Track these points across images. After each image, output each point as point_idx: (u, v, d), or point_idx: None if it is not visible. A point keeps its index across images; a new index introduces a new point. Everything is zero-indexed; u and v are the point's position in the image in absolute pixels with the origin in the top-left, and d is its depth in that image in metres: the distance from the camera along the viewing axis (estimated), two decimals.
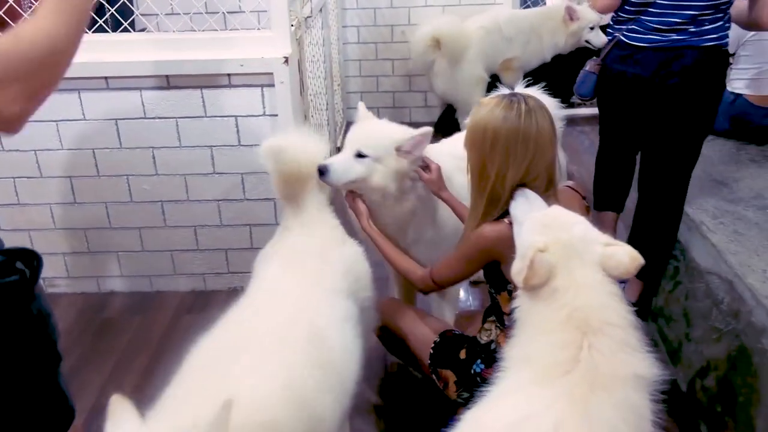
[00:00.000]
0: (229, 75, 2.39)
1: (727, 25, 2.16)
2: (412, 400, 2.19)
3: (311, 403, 1.34)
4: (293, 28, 2.48)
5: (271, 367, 1.32)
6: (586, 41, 3.93)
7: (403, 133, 1.92)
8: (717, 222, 2.27)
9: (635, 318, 1.21)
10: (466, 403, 1.56)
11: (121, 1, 2.46)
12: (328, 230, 1.82)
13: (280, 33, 2.38)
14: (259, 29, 2.49)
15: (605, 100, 2.44)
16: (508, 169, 1.57)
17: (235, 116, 2.46)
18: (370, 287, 1.85)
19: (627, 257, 1.21)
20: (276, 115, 2.45)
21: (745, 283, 1.92)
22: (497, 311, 1.72)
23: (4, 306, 1.13)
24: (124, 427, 1.08)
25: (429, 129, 1.91)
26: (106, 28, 2.47)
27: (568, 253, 1.23)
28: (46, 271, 2.69)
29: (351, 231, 1.98)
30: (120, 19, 2.46)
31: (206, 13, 2.47)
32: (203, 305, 2.72)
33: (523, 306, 1.26)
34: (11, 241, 1.14)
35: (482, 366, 1.74)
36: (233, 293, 2.74)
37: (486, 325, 1.78)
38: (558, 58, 4.10)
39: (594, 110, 3.10)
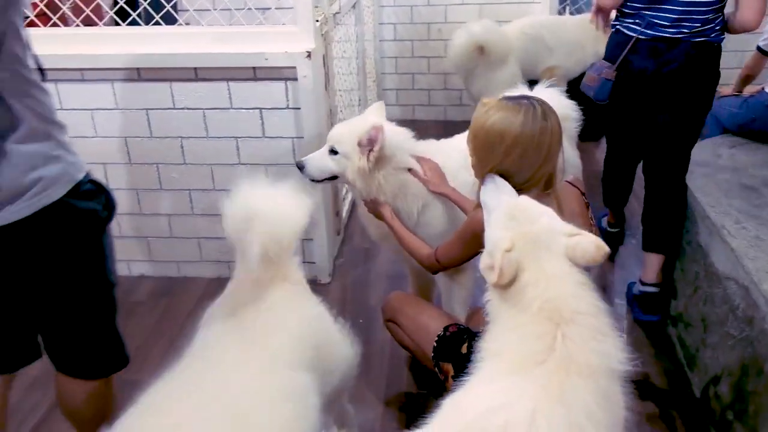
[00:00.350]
0: (254, 68, 2.46)
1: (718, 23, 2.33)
2: (422, 394, 2.22)
3: None
4: (318, 23, 2.52)
5: None
6: None
7: (363, 127, 1.93)
8: (739, 227, 2.21)
9: (606, 307, 1.24)
10: None
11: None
12: (286, 288, 1.53)
13: (304, 28, 2.43)
14: (284, 24, 2.54)
15: (620, 97, 2.58)
16: (518, 171, 1.57)
17: (260, 108, 2.53)
18: (340, 362, 1.63)
19: (592, 246, 1.22)
20: (299, 109, 2.50)
21: (760, 290, 1.87)
22: None
23: (81, 228, 1.40)
24: None
25: (378, 122, 1.92)
26: (139, 21, 2.58)
27: (535, 246, 1.24)
28: None
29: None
30: (152, 12, 2.55)
31: (234, 9, 2.55)
32: (128, 289, 2.79)
33: (494, 300, 1.28)
34: None
35: None
36: None
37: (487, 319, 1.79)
38: None
39: None
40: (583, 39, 3.96)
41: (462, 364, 1.78)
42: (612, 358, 1.17)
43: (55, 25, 2.60)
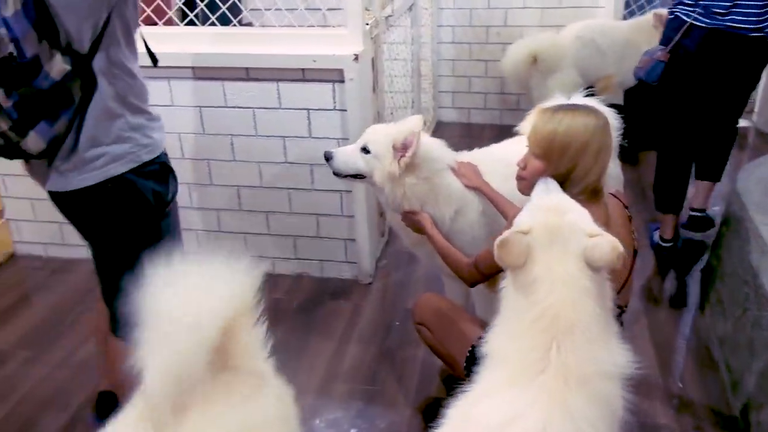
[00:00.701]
0: (303, 69, 2.50)
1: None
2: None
3: None
4: (368, 26, 2.55)
5: None
6: None
7: (401, 131, 1.93)
8: None
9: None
10: None
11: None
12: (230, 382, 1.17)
13: (353, 31, 2.46)
14: (334, 26, 2.58)
15: (670, 78, 2.82)
16: (586, 175, 1.57)
17: (307, 109, 2.57)
18: None
19: (608, 247, 1.22)
20: (345, 110, 2.54)
21: None
22: None
23: (138, 204, 1.55)
24: None
25: (418, 127, 1.90)
26: (196, 21, 2.67)
27: (552, 239, 1.25)
28: None
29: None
30: (207, 13, 2.63)
31: (285, 9, 2.60)
32: (270, 287, 2.83)
33: (507, 289, 1.31)
34: None
35: None
36: (299, 279, 2.91)
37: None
38: None
39: None
40: (637, 41, 3.86)
41: None
42: (607, 363, 1.20)
43: None
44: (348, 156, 2.00)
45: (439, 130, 4.76)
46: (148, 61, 1.71)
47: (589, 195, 1.60)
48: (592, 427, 1.13)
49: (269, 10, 2.73)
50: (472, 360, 1.82)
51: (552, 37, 3.91)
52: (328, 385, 2.28)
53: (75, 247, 3.09)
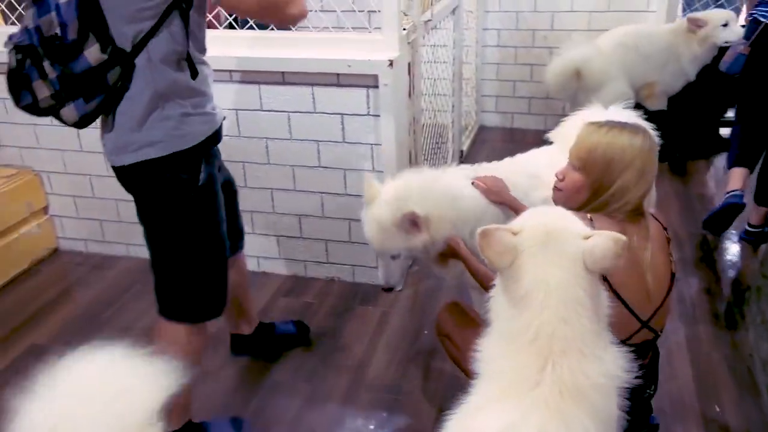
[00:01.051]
0: (337, 74, 2.49)
1: None
2: None
3: None
4: (405, 31, 2.52)
5: None
6: (725, 42, 3.61)
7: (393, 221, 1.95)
8: None
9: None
10: None
11: None
12: None
13: (389, 36, 2.44)
14: (370, 31, 2.56)
15: (750, 70, 3.13)
16: (627, 192, 1.53)
17: (341, 114, 2.56)
18: None
19: (610, 242, 1.20)
20: (379, 116, 2.52)
21: None
22: None
23: (166, 188, 1.68)
24: None
25: (408, 209, 1.89)
26: (235, 25, 2.69)
27: (545, 242, 1.23)
28: None
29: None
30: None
31: (318, 10, 2.60)
32: (301, 290, 2.87)
33: (497, 298, 1.29)
34: None
35: None
36: (330, 283, 2.91)
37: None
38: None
39: None
40: (676, 47, 3.75)
41: None
42: (602, 375, 1.20)
43: None
44: (398, 267, 2.04)
45: (481, 134, 4.70)
46: None
47: (629, 215, 1.55)
48: None
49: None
50: None
51: (594, 48, 3.79)
52: (353, 393, 2.26)
53: (114, 244, 3.17)
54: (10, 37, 1.56)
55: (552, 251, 1.23)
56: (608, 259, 1.20)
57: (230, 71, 2.62)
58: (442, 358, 2.34)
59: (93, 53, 1.49)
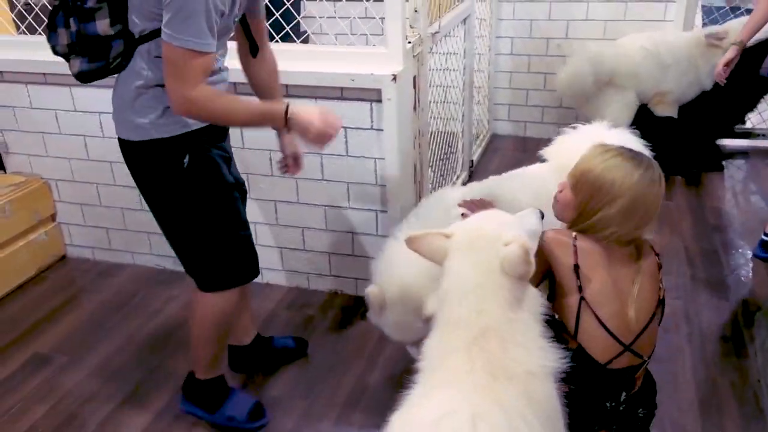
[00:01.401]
0: (341, 88, 2.48)
1: None
2: None
3: None
4: (411, 45, 2.50)
5: None
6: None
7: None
8: None
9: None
10: None
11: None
12: None
13: (393, 50, 2.42)
14: (374, 45, 2.54)
15: None
16: (610, 225, 1.47)
17: (345, 127, 2.54)
18: None
19: (519, 248, 1.29)
20: (382, 130, 2.50)
21: None
22: (556, 327, 1.61)
23: (151, 167, 1.81)
24: None
25: (375, 292, 1.98)
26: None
27: (469, 247, 1.37)
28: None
29: None
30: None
31: (323, 17, 2.58)
32: (303, 303, 2.86)
33: (435, 299, 1.42)
34: None
35: None
36: (333, 296, 2.89)
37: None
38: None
39: None
40: (696, 58, 3.68)
41: None
42: (531, 364, 1.28)
43: None
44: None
45: (493, 143, 4.66)
46: None
47: (620, 243, 1.51)
48: (523, 420, 1.22)
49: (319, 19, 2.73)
50: None
51: (615, 49, 3.76)
52: (350, 411, 2.24)
53: (120, 252, 3.19)
54: None
55: (473, 254, 1.36)
56: (519, 264, 1.30)
57: (234, 83, 2.60)
58: None
59: (102, 25, 1.65)
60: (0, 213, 2.89)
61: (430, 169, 3.10)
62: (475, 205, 1.94)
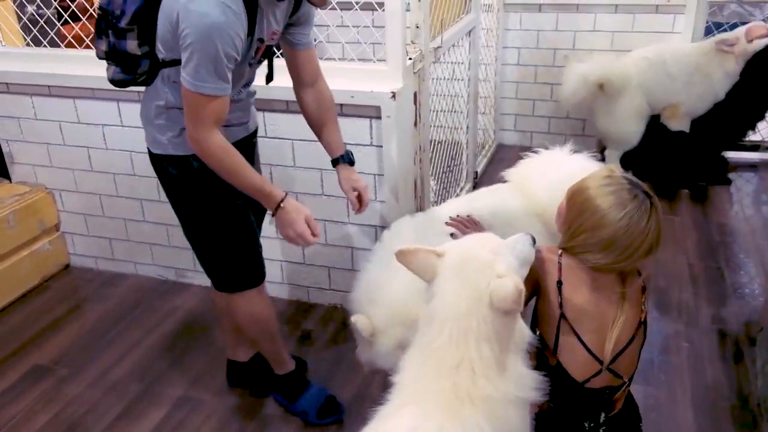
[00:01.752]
0: (341, 105, 2.46)
1: None
2: None
3: None
4: (411, 61, 2.50)
5: None
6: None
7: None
8: None
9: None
10: None
11: None
12: None
13: (393, 67, 2.42)
14: (375, 62, 2.54)
15: None
16: (590, 252, 1.44)
17: (345, 143, 2.54)
18: None
19: (513, 287, 1.26)
20: (381, 146, 2.49)
21: None
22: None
23: (169, 177, 1.97)
24: None
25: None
26: None
27: (459, 270, 1.34)
28: (182, 263, 3.02)
29: None
30: None
31: (327, 42, 2.58)
32: (303, 316, 2.87)
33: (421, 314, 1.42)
34: None
35: None
36: (333, 310, 2.89)
37: None
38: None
39: None
40: (707, 66, 3.66)
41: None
42: (498, 391, 1.29)
43: None
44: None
45: (499, 152, 4.64)
46: None
47: (601, 271, 1.48)
48: None
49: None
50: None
51: (617, 62, 3.74)
52: (346, 426, 2.25)
53: (123, 262, 3.21)
54: None
55: (462, 280, 1.33)
56: (508, 302, 1.27)
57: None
58: None
59: (132, 44, 1.76)
60: (4, 224, 2.92)
61: (433, 181, 3.09)
62: (463, 224, 1.93)
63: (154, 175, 2.87)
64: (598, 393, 1.51)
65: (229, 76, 1.68)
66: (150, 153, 1.97)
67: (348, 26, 2.66)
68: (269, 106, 2.58)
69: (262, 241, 2.84)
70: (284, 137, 2.63)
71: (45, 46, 2.98)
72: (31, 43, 3.03)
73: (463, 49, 3.56)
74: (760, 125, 4.09)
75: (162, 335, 2.77)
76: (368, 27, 2.60)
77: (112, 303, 3.01)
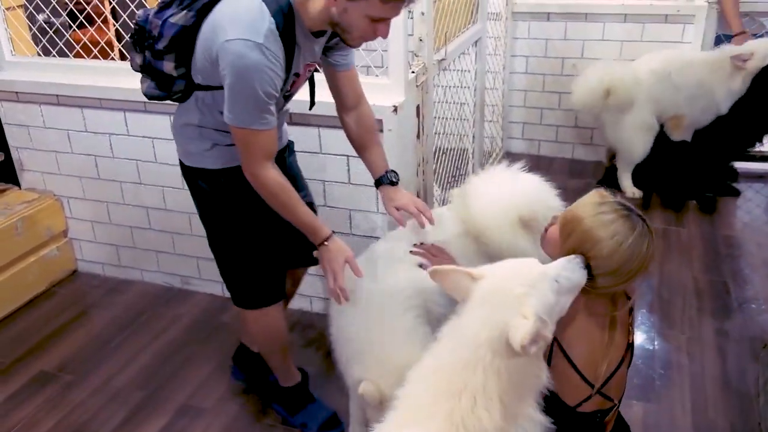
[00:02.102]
0: None
1: None
2: None
3: None
4: (414, 74, 2.51)
5: None
6: None
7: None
8: None
9: None
10: None
11: None
12: None
13: (395, 80, 2.43)
14: (377, 75, 2.55)
15: None
16: (600, 281, 1.45)
17: (347, 155, 2.56)
18: None
19: (528, 333, 1.24)
20: None
21: None
22: None
23: (198, 190, 2.00)
24: None
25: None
26: None
27: (489, 298, 1.34)
28: (187, 271, 3.04)
29: None
30: None
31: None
32: (306, 324, 2.89)
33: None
34: None
35: None
36: None
37: None
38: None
39: None
40: (711, 82, 3.64)
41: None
42: (498, 429, 1.28)
43: None
44: None
45: (507, 160, 4.62)
46: None
47: (598, 295, 1.49)
48: None
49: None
50: None
51: (628, 71, 3.74)
52: None
53: (129, 269, 3.24)
54: (145, 9, 1.83)
55: (489, 310, 1.33)
56: (522, 346, 1.25)
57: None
58: None
59: (168, 66, 1.78)
60: (12, 230, 2.96)
61: (439, 189, 3.10)
62: (431, 252, 1.94)
63: (160, 184, 2.96)
64: (589, 417, 1.51)
65: (273, 109, 1.72)
66: (182, 165, 2.00)
67: None
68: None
69: None
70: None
71: (54, 55, 3.02)
72: (40, 53, 3.07)
73: (469, 57, 3.56)
74: None
75: (166, 342, 2.80)
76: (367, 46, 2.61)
77: (118, 309, 3.04)
